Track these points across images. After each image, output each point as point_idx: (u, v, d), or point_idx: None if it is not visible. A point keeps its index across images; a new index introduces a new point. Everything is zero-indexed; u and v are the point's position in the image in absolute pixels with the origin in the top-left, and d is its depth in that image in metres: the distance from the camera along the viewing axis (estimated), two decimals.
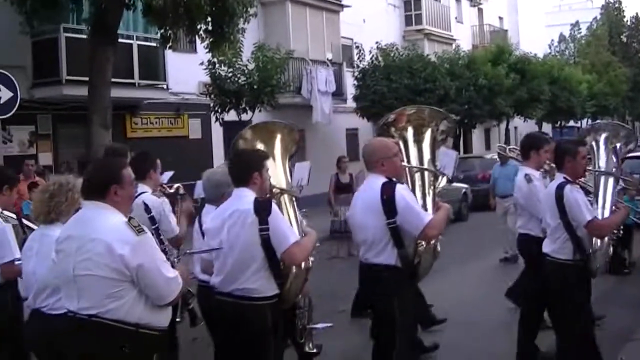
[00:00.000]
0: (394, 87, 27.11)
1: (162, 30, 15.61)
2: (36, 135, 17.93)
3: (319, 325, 7.14)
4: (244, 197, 5.26)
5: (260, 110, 22.34)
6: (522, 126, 43.41)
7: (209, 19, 15.34)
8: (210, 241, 5.42)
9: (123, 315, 4.16)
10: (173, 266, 4.46)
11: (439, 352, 8.07)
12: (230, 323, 5.31)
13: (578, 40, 59.68)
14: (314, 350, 7.00)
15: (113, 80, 15.37)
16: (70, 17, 16.80)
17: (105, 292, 4.15)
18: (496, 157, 19.74)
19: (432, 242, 6.01)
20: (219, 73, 21.00)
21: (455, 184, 21.86)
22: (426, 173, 6.28)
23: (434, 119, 6.53)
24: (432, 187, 6.26)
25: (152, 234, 4.77)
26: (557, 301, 6.55)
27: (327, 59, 27.29)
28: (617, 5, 62.40)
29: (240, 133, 6.27)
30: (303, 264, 5.54)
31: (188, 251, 5.68)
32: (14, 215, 6.65)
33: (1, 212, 6.36)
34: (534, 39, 50.57)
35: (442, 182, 6.56)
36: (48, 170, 15.74)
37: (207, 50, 16.77)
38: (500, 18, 49.88)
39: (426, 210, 5.93)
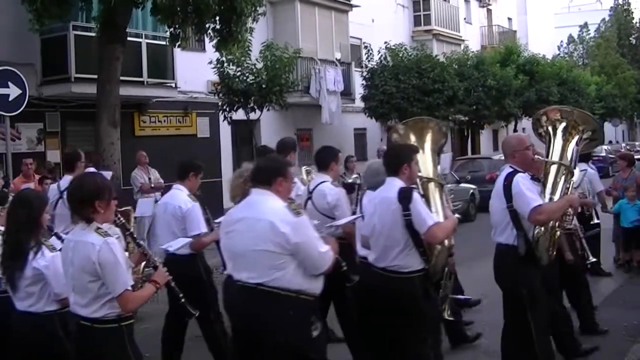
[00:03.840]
0: (403, 87, 27.08)
1: (171, 29, 15.63)
2: (44, 132, 17.95)
3: (461, 297, 7.87)
4: (393, 186, 6.00)
5: (268, 110, 22.34)
6: (530, 127, 43.28)
7: (218, 17, 15.34)
8: (366, 222, 6.31)
9: (286, 284, 4.95)
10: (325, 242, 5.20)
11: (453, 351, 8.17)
12: (385, 294, 6.03)
13: (587, 42, 59.57)
14: (451, 318, 7.62)
15: (122, 78, 15.41)
16: (80, 15, 16.82)
17: (270, 264, 4.95)
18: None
19: (550, 226, 6.40)
20: (228, 72, 21.00)
21: (463, 185, 21.91)
22: (562, 167, 6.65)
23: (584, 123, 6.83)
24: (564, 181, 6.61)
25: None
26: None
27: (336, 59, 27.26)
28: (626, 7, 62.29)
29: (394, 127, 7.15)
30: (446, 242, 6.29)
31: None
32: None
33: (189, 194, 7.34)
34: (543, 40, 50.51)
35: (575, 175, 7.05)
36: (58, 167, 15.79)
37: (215, 49, 16.78)
38: (509, 19, 49.77)
39: (552, 199, 6.44)
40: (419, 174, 6.39)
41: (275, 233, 4.92)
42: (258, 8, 15.69)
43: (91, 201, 4.70)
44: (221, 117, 21.84)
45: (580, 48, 59.98)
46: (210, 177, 18.00)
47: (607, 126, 54.54)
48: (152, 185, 15.23)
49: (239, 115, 21.87)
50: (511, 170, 6.36)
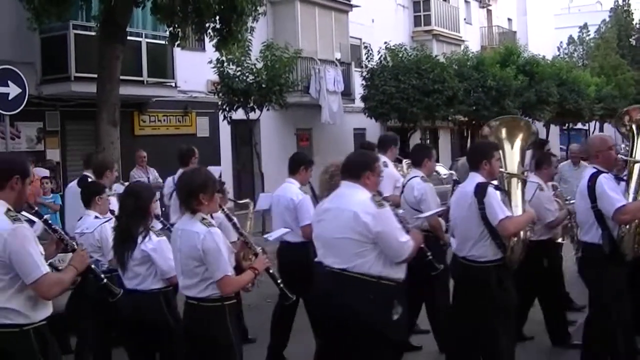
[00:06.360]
0: (402, 87, 27.04)
1: (171, 28, 15.61)
2: (44, 131, 17.95)
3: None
4: (472, 182, 6.40)
5: (268, 109, 22.30)
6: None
7: (218, 17, 15.32)
8: (451, 215, 6.80)
9: (367, 269, 5.38)
10: (408, 232, 5.64)
11: None
12: (463, 282, 6.59)
13: (587, 43, 59.55)
14: None
15: (121, 77, 15.35)
16: (80, 14, 16.81)
17: (353, 251, 5.39)
18: None
19: (635, 224, 6.59)
20: (228, 71, 20.95)
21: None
22: None
23: None
24: None
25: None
26: None
27: (336, 59, 27.25)
28: (626, 8, 62.22)
29: (488, 122, 7.45)
30: (522, 235, 6.54)
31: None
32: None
33: (300, 187, 8.00)
34: (543, 41, 50.44)
35: None
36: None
37: (215, 48, 16.75)
38: (509, 19, 49.76)
39: (637, 198, 6.71)
40: (501, 169, 6.71)
41: (357, 222, 5.34)
42: (258, 8, 15.66)
43: (196, 194, 5.28)
44: (221, 117, 21.79)
45: (580, 49, 59.92)
46: None
47: (607, 127, 54.56)
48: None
49: (239, 115, 21.83)
50: (595, 170, 6.61)
